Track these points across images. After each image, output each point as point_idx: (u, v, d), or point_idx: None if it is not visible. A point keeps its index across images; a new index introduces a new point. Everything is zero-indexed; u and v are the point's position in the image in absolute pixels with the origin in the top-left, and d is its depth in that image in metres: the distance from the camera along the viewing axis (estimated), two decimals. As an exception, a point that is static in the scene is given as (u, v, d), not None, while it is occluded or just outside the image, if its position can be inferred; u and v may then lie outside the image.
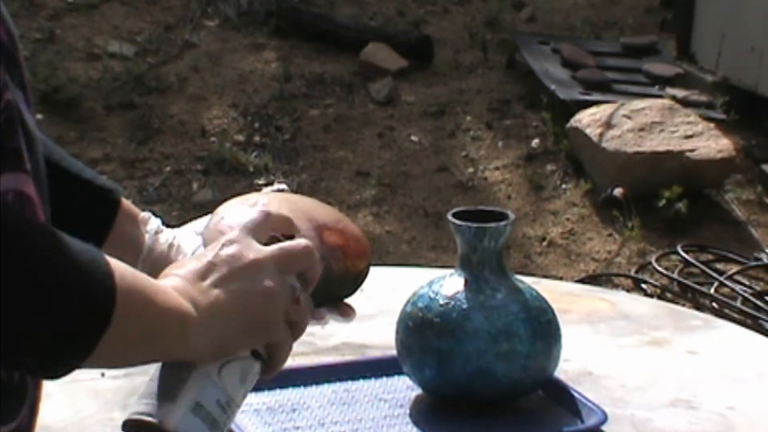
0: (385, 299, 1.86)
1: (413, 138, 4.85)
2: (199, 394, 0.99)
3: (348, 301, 1.25)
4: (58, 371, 0.90)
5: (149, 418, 0.99)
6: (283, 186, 1.30)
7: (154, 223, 1.27)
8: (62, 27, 5.36)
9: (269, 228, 1.06)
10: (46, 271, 0.86)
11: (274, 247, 1.03)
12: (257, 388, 1.57)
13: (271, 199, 1.23)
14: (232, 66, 5.25)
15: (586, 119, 4.45)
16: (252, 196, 1.26)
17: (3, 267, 0.83)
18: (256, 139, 4.78)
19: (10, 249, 0.83)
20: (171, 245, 1.25)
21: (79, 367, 0.90)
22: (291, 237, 1.08)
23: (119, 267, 0.92)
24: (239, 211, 1.21)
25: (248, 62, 5.30)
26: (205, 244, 1.21)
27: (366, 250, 1.24)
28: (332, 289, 1.20)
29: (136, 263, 1.23)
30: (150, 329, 0.94)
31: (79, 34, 5.33)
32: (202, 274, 0.99)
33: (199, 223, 1.28)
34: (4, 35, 0.97)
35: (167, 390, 0.99)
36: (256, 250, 1.01)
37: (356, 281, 1.22)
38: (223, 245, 1.01)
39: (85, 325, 0.88)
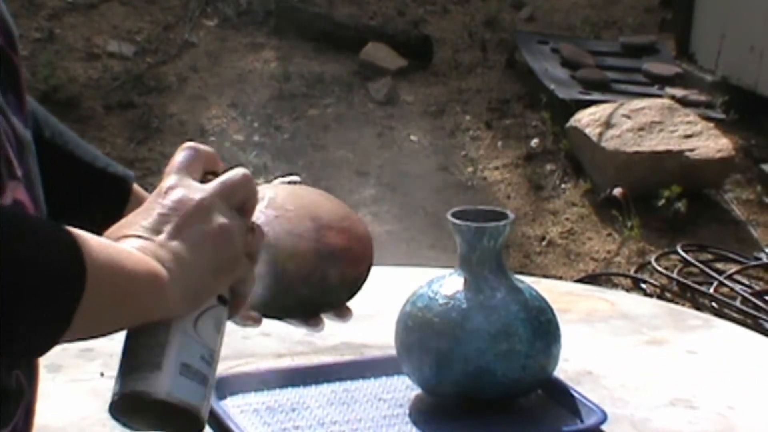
0: (384, 299, 1.86)
1: (413, 137, 4.85)
2: (183, 354, 0.96)
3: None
4: (38, 350, 0.89)
5: (140, 392, 0.95)
6: (296, 177, 1.29)
7: None
8: (62, 27, 5.36)
9: (201, 164, 1.03)
10: (12, 256, 0.85)
11: (215, 183, 1.01)
12: (256, 388, 1.58)
13: (278, 192, 1.23)
14: (231, 65, 5.25)
15: (586, 119, 4.45)
16: (260, 188, 1.25)
17: None
18: (256, 138, 4.78)
19: None
20: None
21: (58, 342, 0.89)
22: (215, 172, 1.05)
23: (85, 240, 0.90)
24: None
25: (247, 62, 5.30)
26: None
27: (368, 251, 1.22)
28: (329, 297, 1.18)
29: None
30: (124, 296, 0.93)
31: (79, 33, 5.33)
32: (156, 228, 0.97)
33: None
34: (2, 38, 0.97)
35: (147, 359, 0.95)
36: (200, 190, 0.99)
37: (354, 287, 1.20)
38: (166, 193, 0.99)
39: (58, 303, 0.87)
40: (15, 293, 0.85)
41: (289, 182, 1.27)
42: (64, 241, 0.88)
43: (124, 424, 0.98)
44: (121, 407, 0.96)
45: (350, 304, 1.24)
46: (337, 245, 1.18)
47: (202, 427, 0.98)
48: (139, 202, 1.25)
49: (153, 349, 0.96)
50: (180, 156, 1.03)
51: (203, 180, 1.02)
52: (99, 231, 1.15)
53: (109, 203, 1.22)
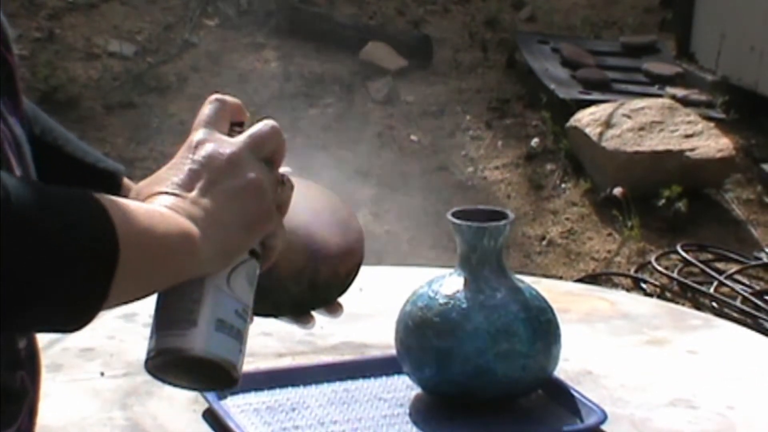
0: (384, 299, 1.86)
1: (413, 137, 4.85)
2: (218, 310, 0.95)
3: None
4: (79, 322, 0.88)
5: (177, 349, 0.94)
6: (288, 169, 1.29)
7: None
8: (62, 26, 5.36)
9: (228, 117, 1.03)
10: (43, 231, 0.83)
11: (245, 136, 1.00)
12: (257, 388, 1.58)
13: None
14: (231, 65, 5.25)
15: (586, 118, 4.45)
16: None
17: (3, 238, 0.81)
18: (256, 138, 4.78)
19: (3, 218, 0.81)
20: None
21: (99, 312, 0.88)
22: (241, 123, 1.05)
23: (116, 207, 0.89)
24: None
25: (248, 62, 5.30)
26: None
27: (359, 248, 1.21)
28: (319, 294, 1.18)
29: None
30: (158, 259, 0.92)
31: (79, 33, 5.33)
32: (188, 185, 0.96)
33: None
34: None
35: (183, 316, 0.95)
36: (230, 144, 0.99)
37: (344, 284, 1.19)
38: (195, 148, 0.98)
39: (94, 276, 0.86)
40: (49, 268, 0.83)
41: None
42: (95, 211, 0.87)
43: (161, 380, 0.98)
44: (156, 364, 0.96)
45: (348, 302, 1.23)
46: (329, 241, 1.17)
47: (238, 383, 0.98)
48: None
49: (188, 305, 0.95)
50: (207, 109, 1.02)
51: (230, 132, 1.02)
52: None
53: None
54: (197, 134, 1.00)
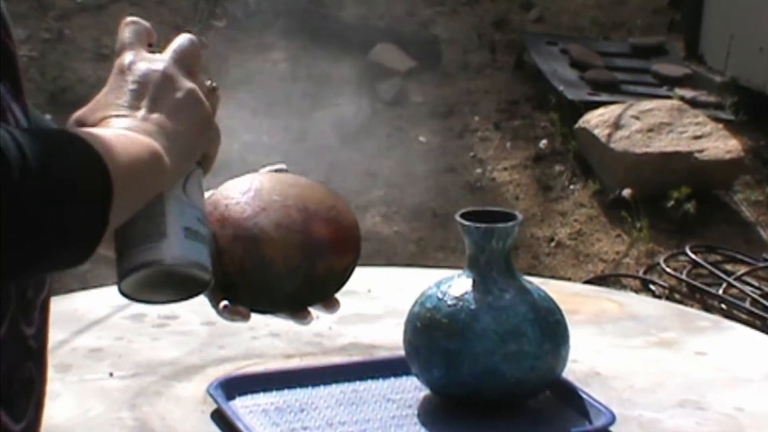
0: (393, 300, 1.86)
1: (421, 138, 4.85)
2: (182, 219, 1.00)
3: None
4: (87, 255, 0.92)
5: (152, 261, 0.97)
6: (283, 166, 1.29)
7: None
8: (71, 27, 5.36)
9: (146, 38, 1.07)
10: (55, 173, 0.87)
11: (170, 52, 1.05)
12: (265, 389, 1.58)
13: (264, 182, 1.23)
14: (240, 66, 5.26)
15: (595, 120, 4.45)
16: (247, 177, 1.25)
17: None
18: (264, 139, 4.79)
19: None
20: None
21: (99, 243, 0.92)
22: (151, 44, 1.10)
23: (96, 139, 0.93)
24: (234, 200, 1.21)
25: (256, 63, 5.30)
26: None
27: (356, 242, 1.20)
28: (316, 290, 1.18)
29: None
30: (139, 180, 0.96)
31: (88, 34, 5.34)
32: (133, 104, 1.00)
33: None
34: None
35: (151, 230, 0.98)
36: (160, 60, 1.03)
37: (342, 278, 1.19)
38: (129, 69, 1.03)
39: (96, 209, 0.90)
40: (65, 210, 0.87)
41: (276, 170, 1.26)
42: (88, 150, 0.91)
43: (135, 300, 1.01)
44: (131, 283, 0.98)
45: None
46: (324, 236, 1.17)
47: (211, 284, 1.02)
48: None
49: (154, 219, 0.98)
50: (127, 32, 1.07)
51: (150, 53, 1.06)
52: None
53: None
54: (126, 57, 1.04)
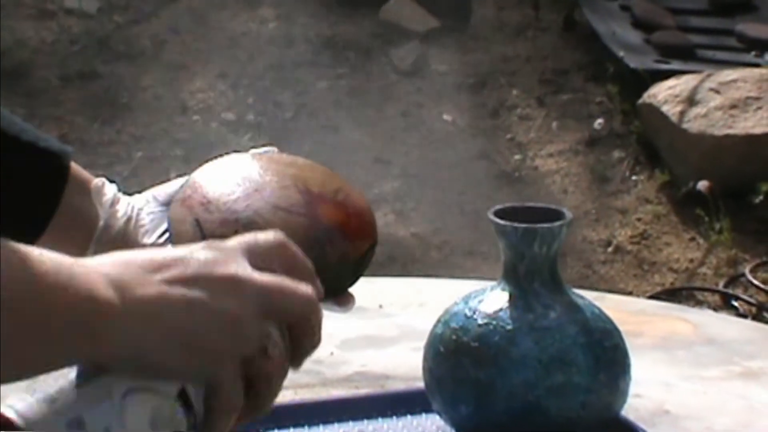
0: (410, 318, 1.86)
1: (446, 117, 4.86)
2: (86, 409, 0.92)
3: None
4: None
5: (12, 414, 0.91)
6: (272, 149, 1.29)
7: (110, 191, 1.27)
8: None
9: (278, 261, 1.01)
10: None
11: (271, 277, 0.97)
12: (251, 429, 1.58)
13: (255, 161, 1.23)
14: (220, 26, 5.27)
15: (663, 94, 4.45)
16: (232, 156, 1.26)
17: None
18: (250, 117, 4.80)
19: None
20: (129, 218, 1.26)
21: None
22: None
23: (5, 251, 0.88)
24: (219, 180, 1.21)
25: (240, 21, 5.31)
26: (171, 222, 1.22)
27: (371, 227, 1.21)
28: (327, 281, 1.19)
29: (88, 244, 1.24)
30: (47, 327, 0.90)
31: (30, -15, 5.36)
32: (159, 266, 0.94)
33: (166, 189, 1.28)
34: None
35: (53, 391, 0.92)
36: (244, 268, 0.96)
37: (357, 269, 1.20)
38: (206, 247, 0.97)
39: None
40: None
41: (265, 152, 1.27)
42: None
43: None
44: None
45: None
46: (334, 218, 1.18)
47: None
48: (79, 183, 1.26)
49: (66, 383, 0.93)
50: (265, 237, 1.02)
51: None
52: (35, 218, 1.16)
53: (41, 186, 1.22)
54: (226, 243, 0.99)
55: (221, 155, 1.30)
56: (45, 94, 4.86)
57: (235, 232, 1.15)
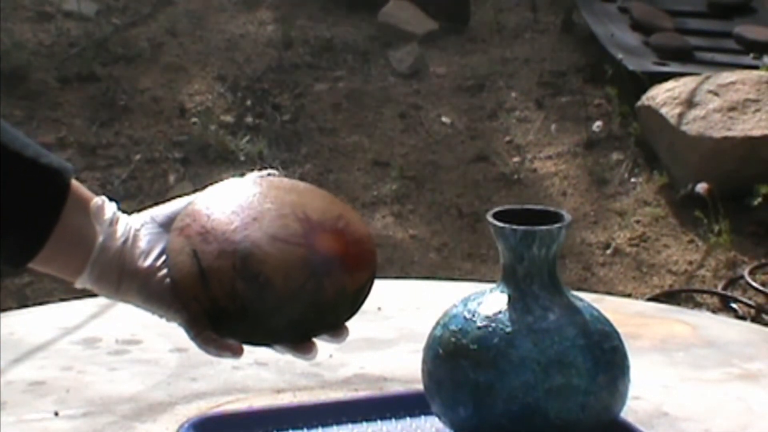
0: (408, 321, 1.86)
1: (444, 119, 4.86)
2: None
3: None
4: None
5: None
6: (274, 172, 1.29)
7: (110, 210, 1.27)
8: (6, -21, 5.38)
9: None
10: None
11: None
12: (249, 431, 1.58)
13: (255, 187, 1.23)
14: (218, 28, 5.26)
15: (662, 96, 4.45)
16: (232, 181, 1.26)
17: None
18: (248, 120, 4.79)
19: None
20: (126, 239, 1.26)
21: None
22: None
23: None
24: (218, 209, 1.21)
25: (238, 24, 5.31)
26: (169, 252, 1.22)
27: (371, 256, 1.21)
28: (325, 315, 1.18)
29: (85, 264, 1.25)
30: None
31: (28, -12, 5.36)
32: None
33: (165, 210, 1.28)
34: None
35: None
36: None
37: (355, 302, 1.20)
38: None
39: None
40: None
41: (267, 176, 1.27)
42: None
43: None
44: None
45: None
46: (332, 249, 1.18)
47: None
48: (78, 201, 1.26)
49: None
50: None
51: None
52: (33, 235, 1.17)
53: (41, 203, 1.22)
54: None
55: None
56: (43, 96, 4.85)
57: (233, 265, 1.15)
